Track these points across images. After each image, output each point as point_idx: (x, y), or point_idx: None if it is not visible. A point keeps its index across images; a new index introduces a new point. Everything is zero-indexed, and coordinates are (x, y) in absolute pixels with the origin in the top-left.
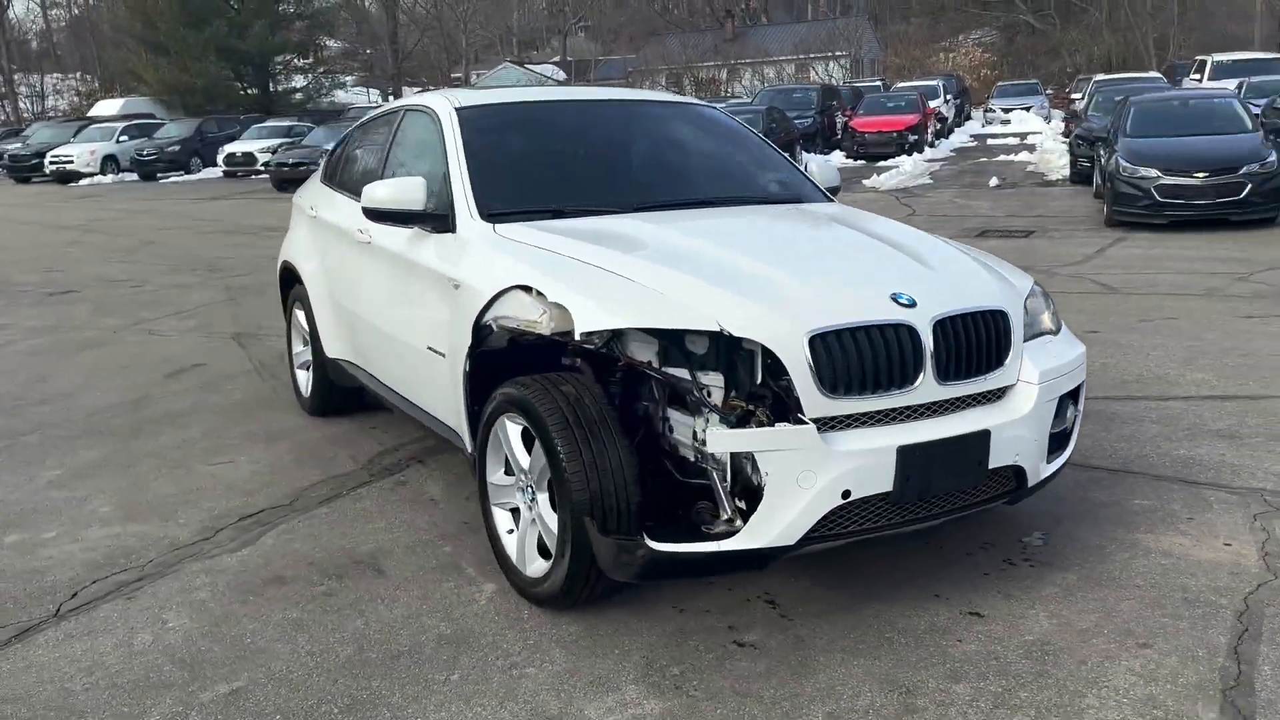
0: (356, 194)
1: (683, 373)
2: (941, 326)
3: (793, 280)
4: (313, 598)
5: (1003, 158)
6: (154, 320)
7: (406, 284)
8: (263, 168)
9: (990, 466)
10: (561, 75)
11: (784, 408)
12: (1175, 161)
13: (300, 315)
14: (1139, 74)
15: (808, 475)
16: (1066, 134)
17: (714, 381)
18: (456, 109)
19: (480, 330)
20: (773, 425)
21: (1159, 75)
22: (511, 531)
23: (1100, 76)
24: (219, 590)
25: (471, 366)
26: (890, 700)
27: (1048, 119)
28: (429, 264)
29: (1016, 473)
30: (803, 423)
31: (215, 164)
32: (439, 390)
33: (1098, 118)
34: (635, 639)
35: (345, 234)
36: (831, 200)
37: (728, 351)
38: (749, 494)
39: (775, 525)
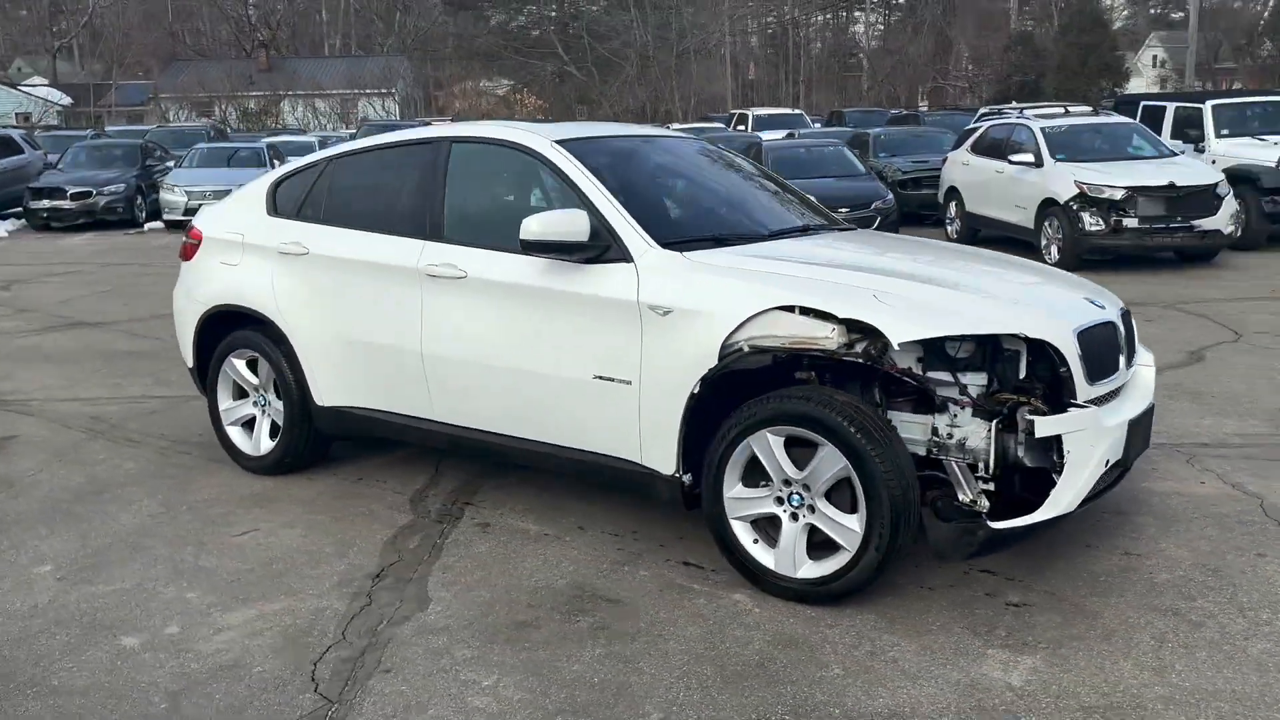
0: (389, 230)
1: (945, 375)
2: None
3: (1011, 290)
4: (589, 631)
5: None
6: None
7: (551, 317)
8: None
9: None
10: (63, 97)
11: (1054, 397)
12: (825, 201)
13: (240, 366)
14: (702, 124)
15: (1095, 450)
16: None
17: (975, 381)
18: (557, 142)
19: (724, 352)
20: (1048, 414)
21: (717, 124)
22: (756, 541)
23: (677, 126)
24: (479, 644)
25: (701, 388)
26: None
27: None
28: (601, 293)
29: None
30: (1088, 406)
31: None
32: (613, 419)
33: None
34: (941, 614)
35: (395, 271)
36: (853, 226)
37: (993, 354)
38: (1017, 472)
39: (1069, 495)
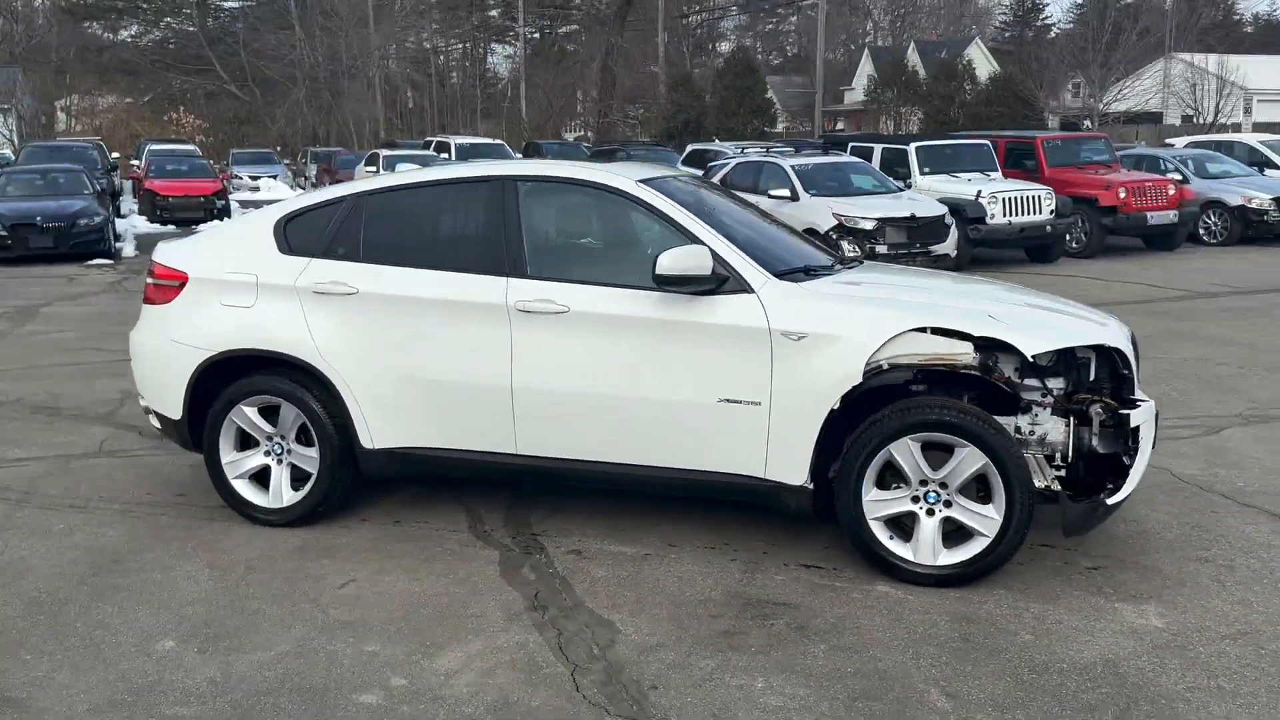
0: (456, 267)
1: (1033, 382)
2: None
3: (1057, 307)
4: (794, 630)
5: None
6: None
7: (670, 346)
8: None
9: None
10: None
11: (1117, 395)
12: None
13: (251, 413)
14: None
15: (1151, 435)
16: None
17: (1057, 385)
18: (642, 182)
19: (867, 370)
20: (1120, 409)
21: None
22: (892, 538)
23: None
24: (710, 654)
25: (842, 404)
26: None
27: (292, 186)
28: (726, 322)
29: None
30: (1150, 400)
31: None
32: (737, 438)
33: None
34: (1050, 582)
35: (475, 308)
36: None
37: (1068, 362)
38: (1090, 458)
39: (1140, 472)
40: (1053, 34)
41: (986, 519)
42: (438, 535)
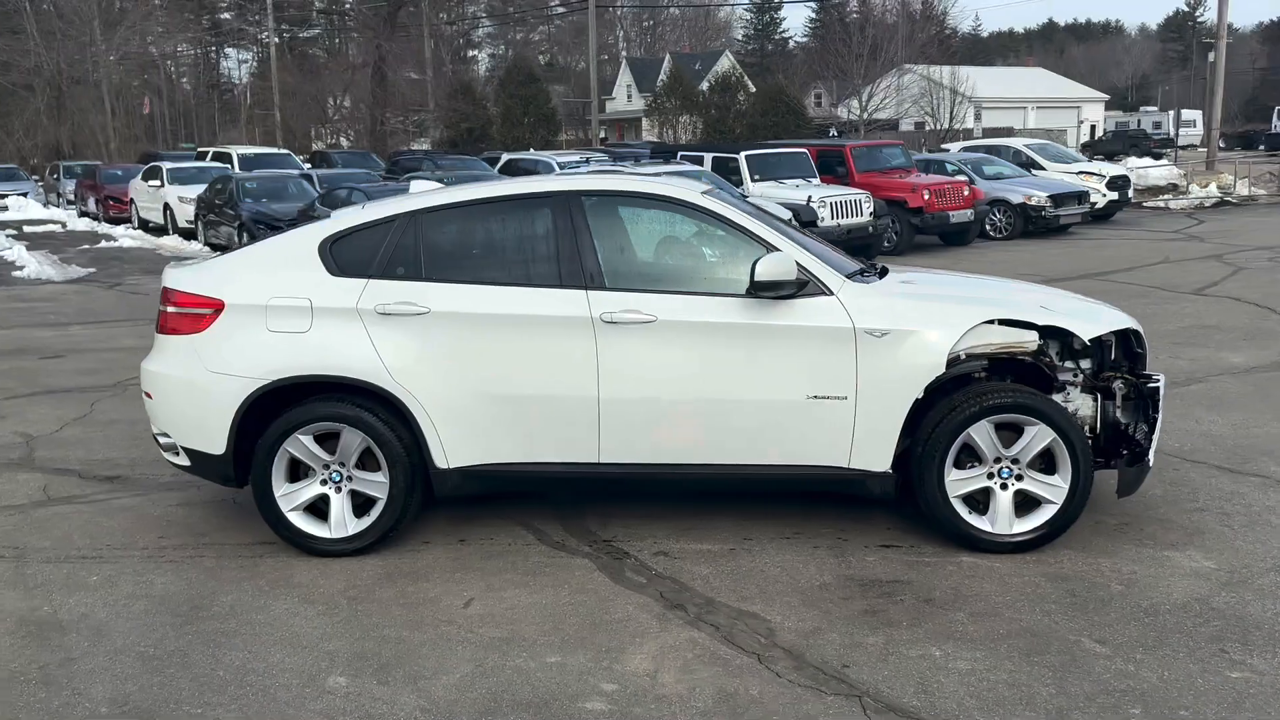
0: (528, 282)
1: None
2: None
3: (1074, 297)
4: (950, 603)
5: (106, 245)
6: None
7: (759, 348)
8: None
9: None
10: None
11: (1133, 370)
12: None
13: (307, 442)
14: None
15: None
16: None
17: (1085, 366)
18: (705, 193)
19: (949, 361)
20: (1148, 382)
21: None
22: (970, 513)
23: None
24: (916, 636)
25: (924, 394)
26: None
27: (45, 204)
28: (812, 323)
29: None
30: (1161, 376)
31: None
32: (824, 432)
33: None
34: (1094, 540)
35: (557, 321)
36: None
37: (1097, 345)
38: (1114, 428)
39: (1157, 439)
40: (791, 47)
41: (1055, 488)
42: (516, 550)
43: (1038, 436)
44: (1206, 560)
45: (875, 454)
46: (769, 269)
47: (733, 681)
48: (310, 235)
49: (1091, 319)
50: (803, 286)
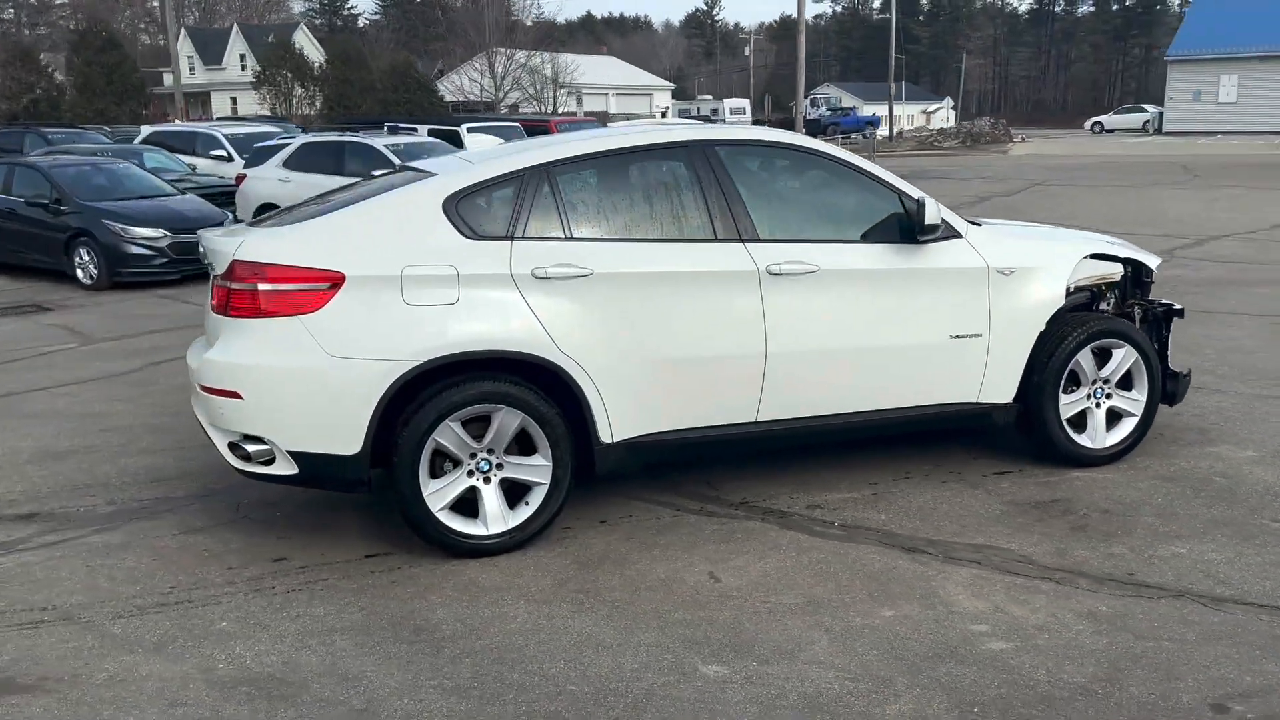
0: (679, 237)
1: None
2: None
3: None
4: (1097, 518)
5: None
6: None
7: (908, 293)
8: None
9: None
10: None
11: (1145, 298)
12: (183, 224)
13: (458, 429)
14: None
15: None
16: None
17: (1116, 296)
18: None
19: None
20: (1172, 307)
21: None
22: (1076, 433)
23: None
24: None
25: (1047, 326)
26: None
27: None
28: (953, 265)
29: None
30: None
31: None
32: (962, 369)
33: None
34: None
35: (724, 276)
36: None
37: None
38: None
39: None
40: (362, 23)
41: (1136, 402)
42: (680, 523)
43: (1125, 358)
44: (1248, 450)
45: (1003, 387)
46: (934, 213)
47: (1071, 604)
48: (422, 193)
49: (1144, 253)
50: (937, 229)
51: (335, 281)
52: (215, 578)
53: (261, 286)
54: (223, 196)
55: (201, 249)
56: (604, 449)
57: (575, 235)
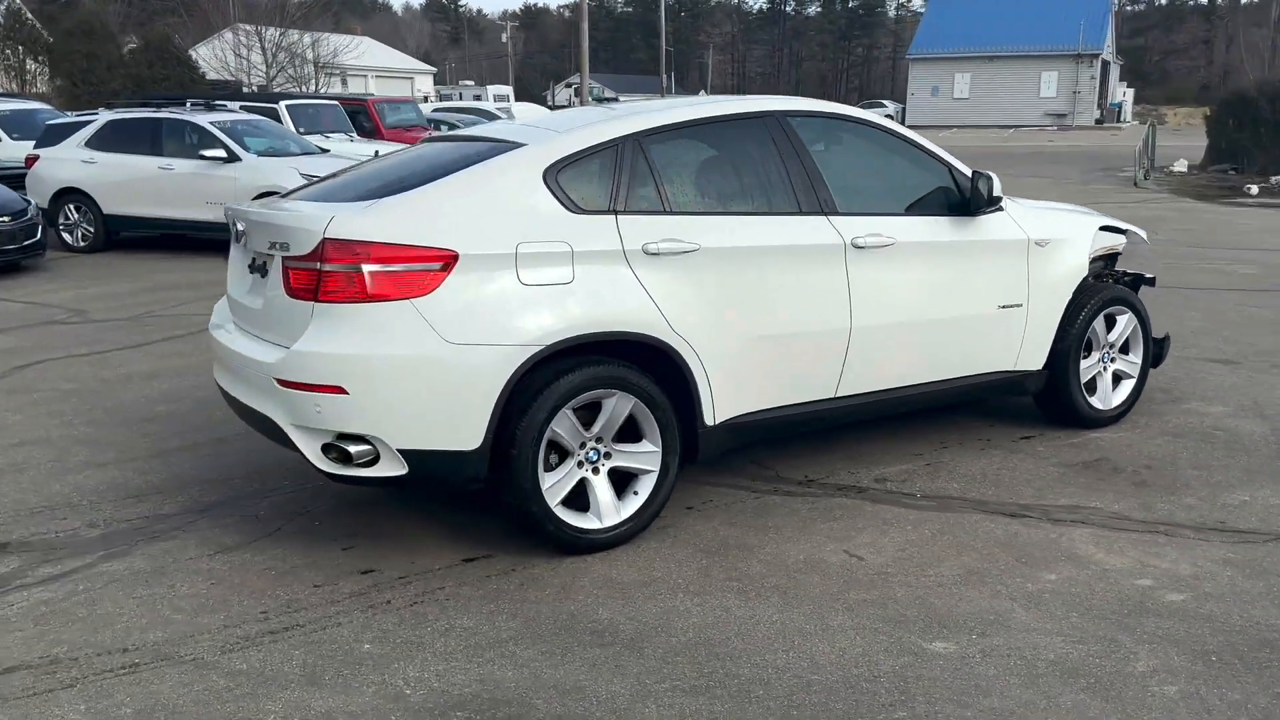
0: (767, 209)
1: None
2: None
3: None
4: (1191, 467)
5: None
6: None
7: (966, 264)
8: None
9: None
10: None
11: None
12: None
13: (572, 418)
14: None
15: None
16: None
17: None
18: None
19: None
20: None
21: None
22: (1088, 396)
23: None
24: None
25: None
26: None
27: None
28: (1002, 237)
29: None
30: None
31: None
32: (1004, 338)
33: None
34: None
35: (813, 251)
36: None
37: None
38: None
39: None
40: None
41: (1135, 364)
42: (765, 505)
43: (1127, 324)
44: (1214, 406)
45: (1035, 355)
46: (999, 187)
47: (1199, 554)
48: (523, 163)
49: (1131, 226)
50: (982, 201)
51: (447, 261)
52: (309, 597)
53: (366, 268)
54: (8, 180)
55: (240, 225)
56: (707, 432)
57: (673, 209)
